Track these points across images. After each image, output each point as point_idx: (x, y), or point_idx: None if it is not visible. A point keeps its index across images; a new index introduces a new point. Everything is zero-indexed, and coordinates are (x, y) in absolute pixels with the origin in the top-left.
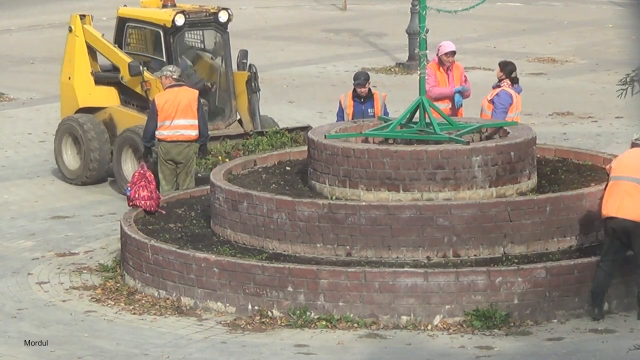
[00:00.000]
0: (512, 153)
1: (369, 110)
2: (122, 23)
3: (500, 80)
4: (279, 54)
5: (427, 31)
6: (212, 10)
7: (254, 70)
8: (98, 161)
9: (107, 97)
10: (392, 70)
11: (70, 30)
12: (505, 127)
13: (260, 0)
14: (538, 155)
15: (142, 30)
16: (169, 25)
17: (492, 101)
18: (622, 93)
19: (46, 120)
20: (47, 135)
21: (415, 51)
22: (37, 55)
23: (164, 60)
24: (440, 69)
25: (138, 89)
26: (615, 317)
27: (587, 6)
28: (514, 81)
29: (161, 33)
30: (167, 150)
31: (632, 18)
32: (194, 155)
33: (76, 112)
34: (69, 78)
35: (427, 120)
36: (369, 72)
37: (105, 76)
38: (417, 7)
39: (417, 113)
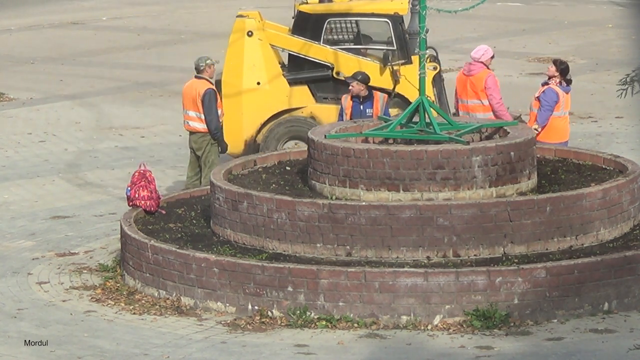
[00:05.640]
0: (512, 153)
1: (367, 110)
2: (320, 19)
3: (549, 78)
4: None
5: (427, 31)
6: None
7: (436, 54)
8: None
9: (303, 97)
10: None
11: (250, 34)
12: (505, 127)
13: (260, 0)
14: (538, 155)
15: (350, 24)
16: (403, 13)
17: (538, 98)
18: (622, 93)
19: (46, 120)
20: (47, 135)
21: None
22: (37, 55)
23: (395, 48)
24: None
25: (373, 81)
26: (615, 317)
27: (587, 6)
28: (568, 82)
29: (390, 23)
30: (189, 139)
31: (632, 18)
32: (210, 146)
33: (271, 117)
34: (258, 83)
35: (427, 120)
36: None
37: (309, 76)
38: (417, 7)
39: (417, 113)
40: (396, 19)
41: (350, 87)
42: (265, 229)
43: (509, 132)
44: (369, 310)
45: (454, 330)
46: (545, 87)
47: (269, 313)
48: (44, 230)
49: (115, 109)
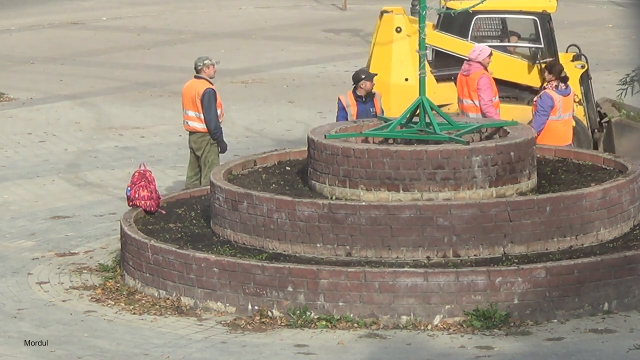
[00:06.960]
0: (512, 153)
1: (371, 109)
2: (468, 16)
3: (546, 82)
4: (279, 54)
5: None
6: None
7: (579, 51)
8: None
9: (451, 94)
10: None
11: (399, 30)
12: (505, 127)
13: (260, 0)
14: (538, 155)
15: (498, 21)
16: (552, 11)
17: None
18: (622, 93)
19: (46, 120)
20: (47, 135)
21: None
22: (37, 55)
23: (542, 46)
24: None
25: (520, 78)
26: (615, 317)
27: (587, 6)
28: (564, 80)
29: (537, 20)
30: (188, 139)
31: (632, 18)
32: (209, 146)
33: None
34: (406, 80)
35: (427, 120)
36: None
37: (457, 73)
38: (417, 7)
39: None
40: (544, 17)
41: (364, 86)
42: (265, 229)
43: (509, 132)
44: (369, 310)
45: (454, 330)
46: (542, 91)
47: (269, 313)
48: (44, 230)
49: (115, 109)
